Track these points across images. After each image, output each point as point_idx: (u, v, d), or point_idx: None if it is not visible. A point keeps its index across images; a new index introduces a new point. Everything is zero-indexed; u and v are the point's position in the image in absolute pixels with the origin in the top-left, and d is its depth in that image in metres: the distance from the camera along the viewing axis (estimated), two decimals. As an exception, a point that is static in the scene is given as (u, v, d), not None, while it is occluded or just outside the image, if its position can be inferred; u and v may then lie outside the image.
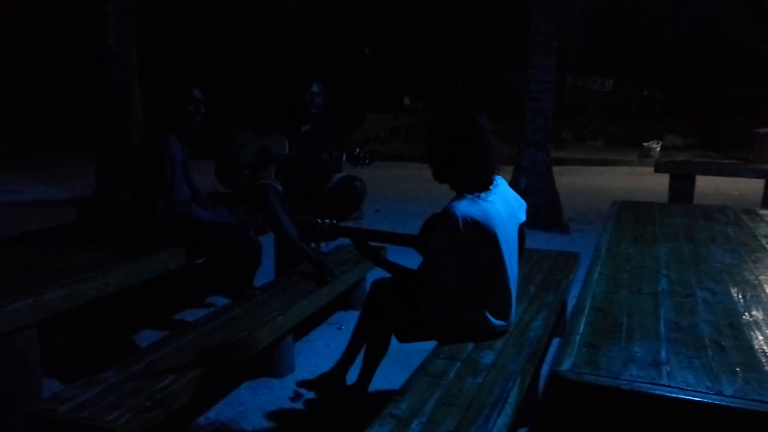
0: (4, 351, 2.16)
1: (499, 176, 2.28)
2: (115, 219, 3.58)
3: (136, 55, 7.39)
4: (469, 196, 2.14)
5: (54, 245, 2.95)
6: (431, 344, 2.28)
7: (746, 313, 2.01)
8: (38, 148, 12.25)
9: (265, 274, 3.49)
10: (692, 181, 6.10)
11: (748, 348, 1.73)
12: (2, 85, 12.66)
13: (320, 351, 3.28)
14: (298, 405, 2.71)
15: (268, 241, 3.44)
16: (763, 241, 3.02)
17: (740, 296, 2.18)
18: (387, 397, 1.92)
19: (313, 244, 3.43)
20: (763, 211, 3.94)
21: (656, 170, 6.55)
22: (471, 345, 2.19)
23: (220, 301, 3.69)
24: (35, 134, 12.74)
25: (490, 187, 2.19)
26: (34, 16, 12.73)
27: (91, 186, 7.56)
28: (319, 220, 2.39)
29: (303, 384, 2.71)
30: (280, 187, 3.54)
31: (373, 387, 2.56)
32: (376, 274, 2.93)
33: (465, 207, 2.10)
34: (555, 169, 6.74)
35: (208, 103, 3.08)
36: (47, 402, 2.03)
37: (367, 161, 3.56)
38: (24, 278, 2.41)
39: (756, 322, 1.93)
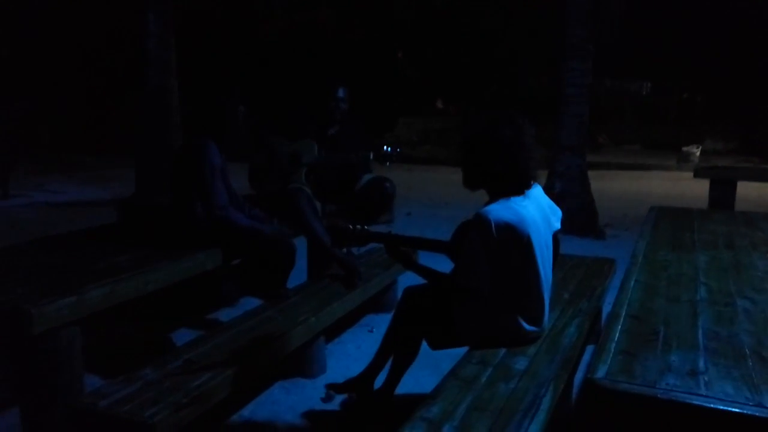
0: (49, 347, 2.24)
1: (536, 183, 2.26)
2: (154, 221, 3.68)
3: (175, 59, 7.57)
4: (503, 200, 2.13)
5: (96, 245, 3.05)
6: (462, 349, 2.28)
7: (789, 324, 1.95)
8: (81, 150, 12.64)
9: (297, 275, 3.53)
10: (733, 187, 5.93)
11: (790, 359, 1.69)
12: (47, 88, 13.11)
13: (351, 353, 3.30)
14: (330, 406, 2.74)
15: (301, 244, 3.48)
16: (809, 250, 2.93)
17: (783, 306, 2.12)
18: (418, 400, 1.93)
19: (344, 250, 3.46)
20: (808, 219, 3.81)
21: (695, 175, 6.39)
22: (503, 350, 2.18)
23: (254, 301, 3.75)
24: (78, 137, 13.16)
25: (525, 192, 2.18)
26: (79, 20, 13.15)
27: (132, 188, 7.77)
28: (351, 226, 2.41)
29: (332, 387, 2.73)
30: (310, 191, 3.59)
31: (403, 390, 2.57)
32: (408, 276, 2.94)
33: (499, 211, 2.09)
34: (591, 173, 6.64)
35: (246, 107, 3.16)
36: (89, 396, 2.10)
37: (394, 157, 3.62)
38: (68, 276, 2.50)
39: (800, 333, 1.87)
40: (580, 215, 6.17)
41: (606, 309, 2.88)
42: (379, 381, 2.63)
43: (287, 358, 2.72)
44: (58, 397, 2.26)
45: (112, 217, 4.25)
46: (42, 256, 2.86)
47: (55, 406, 2.25)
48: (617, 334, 1.86)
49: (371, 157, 3.64)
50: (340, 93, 3.77)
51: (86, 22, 13.07)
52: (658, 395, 1.49)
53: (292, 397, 2.81)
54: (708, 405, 1.45)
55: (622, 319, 1.98)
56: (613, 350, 1.74)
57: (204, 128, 3.08)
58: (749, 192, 7.53)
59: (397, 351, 2.52)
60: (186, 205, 3.03)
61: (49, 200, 7.98)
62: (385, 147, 3.64)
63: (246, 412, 2.68)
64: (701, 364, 1.65)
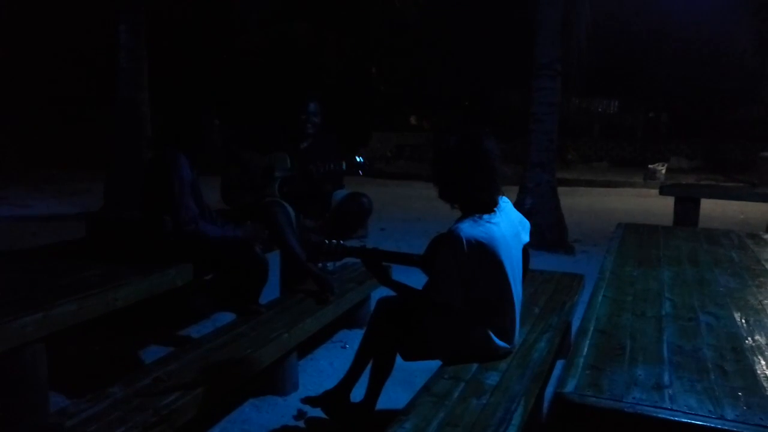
0: (12, 365, 2.18)
1: (505, 197, 2.31)
2: (124, 235, 3.62)
3: (147, 72, 7.50)
4: (474, 217, 2.17)
5: (63, 260, 2.98)
6: (435, 364, 2.30)
7: (749, 338, 2.02)
8: (49, 164, 12.37)
9: (270, 291, 3.51)
10: (697, 204, 6.10)
11: (750, 373, 1.74)
12: (14, 101, 12.84)
13: (324, 369, 3.29)
14: (302, 423, 2.72)
15: (274, 259, 3.47)
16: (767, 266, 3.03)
17: (743, 321, 2.19)
18: (391, 416, 1.93)
19: (320, 264, 3.46)
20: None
21: (661, 193, 6.56)
22: (475, 366, 2.20)
23: (226, 317, 3.71)
24: (46, 150, 12.88)
25: (495, 209, 2.22)
26: (46, 33, 12.94)
27: (100, 201, 7.63)
28: (326, 241, 2.41)
29: (307, 401, 2.71)
30: (285, 204, 3.58)
31: (377, 406, 2.57)
32: (381, 292, 2.95)
33: (469, 228, 2.12)
34: (560, 190, 6.76)
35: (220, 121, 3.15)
36: (54, 416, 2.05)
37: (365, 167, 3.66)
38: (33, 292, 2.44)
39: (759, 347, 1.94)
40: (550, 231, 6.27)
41: (575, 324, 2.93)
42: (354, 394, 2.62)
43: (259, 375, 2.69)
44: (23, 418, 2.20)
45: (81, 232, 4.15)
46: (6, 271, 2.78)
47: (20, 427, 2.18)
48: (585, 349, 1.89)
49: (344, 167, 3.65)
50: (311, 107, 3.77)
51: (56, 34, 12.87)
52: (625, 409, 1.53)
53: (264, 415, 2.78)
54: (672, 418, 1.49)
55: (590, 334, 2.02)
56: (581, 365, 1.77)
57: (175, 141, 3.05)
58: (713, 209, 7.76)
59: (374, 363, 2.53)
60: (155, 219, 2.99)
61: (13, 214, 7.77)
62: (357, 158, 3.67)
63: (216, 430, 2.64)
64: (666, 377, 1.70)
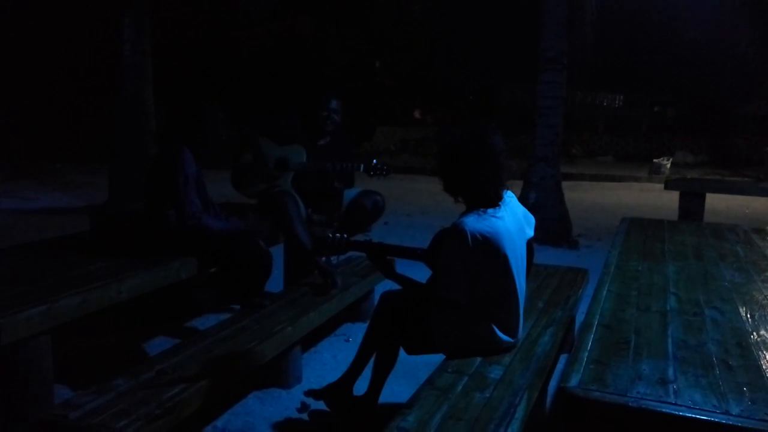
0: (17, 357, 2.19)
1: (509, 191, 2.30)
2: (128, 228, 3.63)
3: (152, 66, 7.50)
4: (479, 211, 2.17)
5: (68, 253, 3.00)
6: (438, 358, 2.30)
7: (754, 333, 2.01)
8: (53, 157, 12.40)
9: (274, 284, 3.51)
10: (702, 198, 6.07)
11: (755, 368, 1.74)
12: (19, 94, 12.86)
13: (328, 362, 3.29)
14: (305, 416, 2.72)
15: (278, 252, 3.47)
16: (773, 261, 3.02)
17: (749, 315, 2.18)
18: (394, 410, 1.93)
19: (324, 258, 3.47)
20: (773, 230, 3.92)
21: (666, 187, 6.54)
22: (479, 359, 2.20)
23: (230, 310, 3.72)
24: (50, 143, 12.91)
25: (500, 204, 2.21)
26: (51, 26, 12.94)
27: (105, 195, 7.65)
28: (330, 235, 2.41)
29: (311, 393, 2.72)
30: (296, 195, 3.59)
31: (380, 399, 2.57)
32: (385, 286, 2.95)
33: (474, 222, 2.12)
34: (564, 184, 6.74)
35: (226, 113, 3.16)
36: (59, 408, 2.06)
37: (384, 172, 3.64)
38: (38, 285, 2.45)
39: (764, 342, 1.93)
40: (554, 225, 6.26)
41: (579, 318, 2.93)
42: (357, 388, 2.63)
43: (262, 368, 2.70)
44: (28, 409, 2.21)
45: (85, 225, 4.17)
46: (11, 264, 2.79)
47: (25, 418, 2.20)
48: (590, 343, 1.89)
49: (362, 169, 3.65)
50: (333, 104, 3.76)
51: (61, 27, 12.87)
52: (629, 403, 1.52)
53: (268, 408, 2.78)
54: (677, 413, 1.49)
55: (594, 329, 2.02)
56: (585, 359, 1.77)
57: (179, 136, 3.06)
58: (718, 203, 7.73)
59: (377, 356, 2.53)
60: (159, 212, 3.00)
61: (18, 207, 7.80)
62: (374, 161, 3.67)
63: (220, 423, 2.65)
64: (671, 372, 1.69)
